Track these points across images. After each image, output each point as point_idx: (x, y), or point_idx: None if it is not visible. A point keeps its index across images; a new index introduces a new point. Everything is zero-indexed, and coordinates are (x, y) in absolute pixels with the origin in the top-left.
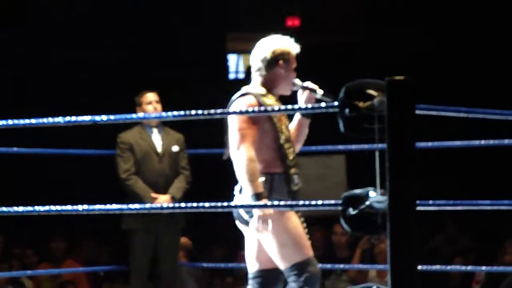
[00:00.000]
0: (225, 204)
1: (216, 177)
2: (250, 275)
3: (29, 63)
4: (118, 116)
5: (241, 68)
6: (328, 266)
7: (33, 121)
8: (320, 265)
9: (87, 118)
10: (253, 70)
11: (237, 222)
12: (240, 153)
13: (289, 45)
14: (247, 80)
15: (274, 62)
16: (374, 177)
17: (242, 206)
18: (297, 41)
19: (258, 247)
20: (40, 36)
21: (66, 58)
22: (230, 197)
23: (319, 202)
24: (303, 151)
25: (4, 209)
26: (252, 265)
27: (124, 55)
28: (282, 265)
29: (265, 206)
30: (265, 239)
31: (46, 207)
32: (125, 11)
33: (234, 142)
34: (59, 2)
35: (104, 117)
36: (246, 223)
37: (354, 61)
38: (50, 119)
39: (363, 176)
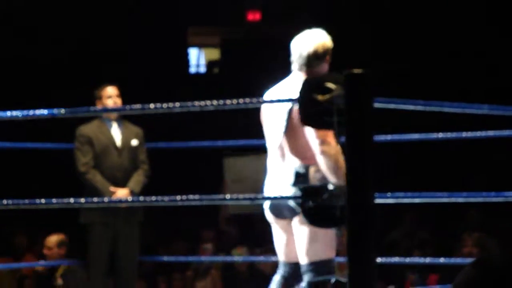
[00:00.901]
0: (185, 197)
1: (175, 171)
2: (281, 267)
3: None
4: (76, 110)
5: (202, 62)
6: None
7: None
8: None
9: (45, 111)
10: (297, 63)
11: (270, 215)
12: (329, 146)
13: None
14: (208, 75)
15: (323, 56)
16: None
17: (197, 200)
18: (257, 34)
19: (291, 240)
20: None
21: (16, 52)
22: (189, 191)
23: (280, 194)
24: (261, 145)
25: None
26: (284, 257)
27: (83, 48)
28: (305, 259)
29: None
30: (303, 231)
31: (5, 202)
32: (87, 2)
33: (317, 137)
34: None
35: (63, 111)
36: (292, 214)
37: None
38: (8, 113)
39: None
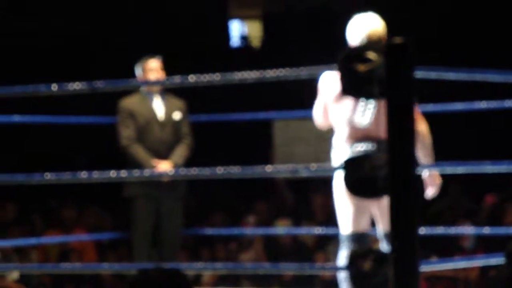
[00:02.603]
0: (228, 170)
1: (217, 144)
2: (349, 237)
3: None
4: (117, 82)
5: (243, 35)
6: (331, 231)
7: (30, 89)
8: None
9: (85, 85)
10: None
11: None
12: (423, 124)
13: None
14: (248, 48)
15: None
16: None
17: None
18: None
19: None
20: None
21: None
22: (230, 163)
23: (321, 166)
24: (302, 116)
25: (14, 177)
26: (359, 228)
27: (123, 22)
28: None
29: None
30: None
31: (47, 175)
32: None
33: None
34: None
35: (103, 84)
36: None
37: None
38: (53, 87)
39: None
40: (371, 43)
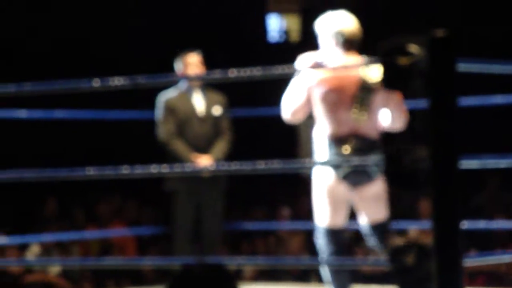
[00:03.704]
0: (268, 164)
1: (257, 138)
2: (325, 231)
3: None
4: (158, 77)
5: (281, 30)
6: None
7: (72, 85)
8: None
9: (126, 80)
10: (348, 43)
11: (352, 183)
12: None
13: None
14: (287, 43)
15: None
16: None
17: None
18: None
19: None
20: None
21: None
22: (270, 157)
23: (361, 160)
24: None
25: (56, 173)
26: (335, 223)
27: (158, 17)
28: (384, 218)
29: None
30: (378, 194)
31: (89, 170)
32: None
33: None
34: None
35: (145, 79)
36: (368, 179)
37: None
38: (95, 83)
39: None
40: (412, 36)
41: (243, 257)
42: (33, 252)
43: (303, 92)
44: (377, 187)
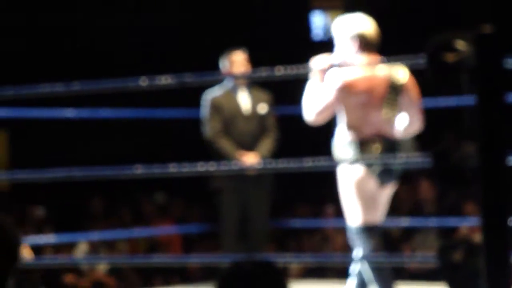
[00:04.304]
0: (315, 162)
1: (303, 136)
2: (364, 229)
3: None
4: (204, 75)
5: (326, 27)
6: (415, 222)
7: (119, 84)
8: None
9: (171, 79)
10: (372, 44)
11: (380, 182)
12: None
13: None
14: (331, 41)
15: None
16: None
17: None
18: None
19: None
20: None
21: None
22: (316, 155)
23: (407, 158)
24: None
25: (104, 171)
26: (378, 220)
27: (200, 16)
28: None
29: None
30: (389, 195)
31: (138, 169)
32: None
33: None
34: None
35: (191, 78)
36: (393, 178)
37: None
38: (142, 82)
39: (438, 134)
40: (460, 32)
41: (289, 254)
42: (81, 250)
43: (331, 94)
44: (391, 189)
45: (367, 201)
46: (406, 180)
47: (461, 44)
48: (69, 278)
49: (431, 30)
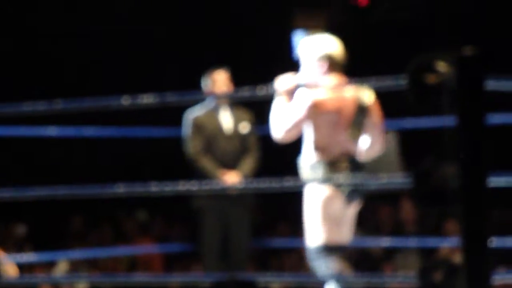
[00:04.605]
0: (295, 181)
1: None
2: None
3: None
4: (186, 94)
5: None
6: (397, 242)
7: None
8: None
9: (153, 98)
10: (339, 65)
11: (348, 201)
12: None
13: None
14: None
15: None
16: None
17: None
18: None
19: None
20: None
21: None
22: (296, 174)
23: (387, 179)
24: None
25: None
26: (342, 240)
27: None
28: (351, 239)
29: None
30: (354, 214)
31: (119, 188)
32: None
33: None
34: None
35: (173, 97)
36: (358, 198)
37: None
38: (124, 101)
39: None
40: (441, 54)
41: (270, 273)
42: (61, 269)
43: (301, 111)
44: (356, 208)
45: (333, 221)
46: (388, 200)
47: (442, 66)
48: None
49: (413, 51)
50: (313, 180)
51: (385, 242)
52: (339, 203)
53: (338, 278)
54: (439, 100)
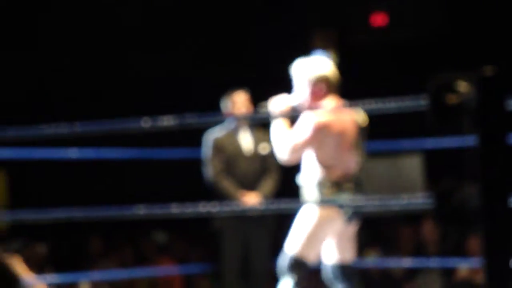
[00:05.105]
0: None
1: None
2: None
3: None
4: (206, 116)
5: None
6: (418, 262)
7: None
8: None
9: (173, 120)
10: (336, 88)
11: (347, 220)
12: None
13: None
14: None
15: None
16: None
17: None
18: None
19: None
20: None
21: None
22: None
23: (407, 199)
24: (373, 151)
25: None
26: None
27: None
28: (354, 258)
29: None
30: (351, 233)
31: (140, 209)
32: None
33: None
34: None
35: (192, 118)
36: (357, 218)
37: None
38: (144, 123)
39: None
40: (461, 74)
41: None
42: None
43: (307, 133)
44: (354, 227)
45: (322, 240)
46: (410, 220)
47: (462, 86)
48: None
49: (432, 71)
50: (321, 200)
51: (406, 262)
52: (338, 223)
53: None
54: (460, 120)
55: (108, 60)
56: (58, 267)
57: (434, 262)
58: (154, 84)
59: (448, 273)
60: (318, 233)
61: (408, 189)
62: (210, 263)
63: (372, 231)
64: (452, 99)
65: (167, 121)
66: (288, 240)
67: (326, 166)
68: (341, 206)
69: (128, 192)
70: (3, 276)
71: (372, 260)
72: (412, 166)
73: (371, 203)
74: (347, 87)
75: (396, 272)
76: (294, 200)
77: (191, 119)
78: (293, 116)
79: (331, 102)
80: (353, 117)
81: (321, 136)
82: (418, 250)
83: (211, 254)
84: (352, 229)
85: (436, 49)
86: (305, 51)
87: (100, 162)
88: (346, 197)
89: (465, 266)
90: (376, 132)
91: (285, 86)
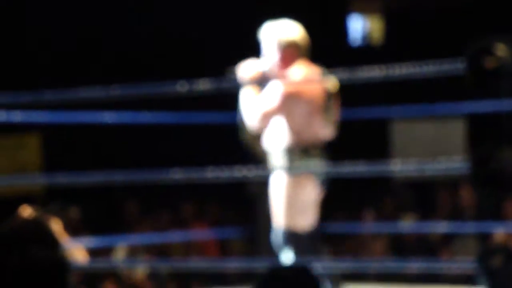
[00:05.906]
0: (353, 167)
1: (341, 140)
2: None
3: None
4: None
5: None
6: (455, 227)
7: (155, 89)
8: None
9: (210, 84)
10: (307, 52)
11: (322, 187)
12: None
13: None
14: (368, 47)
15: None
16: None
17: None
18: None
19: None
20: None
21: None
22: (355, 159)
23: (445, 163)
24: (418, 115)
25: (142, 175)
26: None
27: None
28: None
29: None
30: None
31: (175, 174)
32: None
33: None
34: None
35: (229, 82)
36: None
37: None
38: (180, 86)
39: (482, 139)
40: (500, 37)
41: (327, 259)
42: (120, 254)
43: (277, 100)
44: (321, 195)
45: (306, 206)
46: (447, 185)
47: (501, 49)
48: (108, 285)
49: (470, 35)
50: (291, 167)
51: (443, 227)
52: (313, 189)
53: (390, 262)
54: (498, 84)
55: (146, 25)
56: (94, 231)
57: (471, 227)
58: (193, 47)
59: (485, 237)
60: (297, 201)
61: (451, 153)
62: (245, 227)
63: (410, 195)
64: (490, 62)
65: (203, 84)
66: (273, 215)
67: (295, 132)
68: (310, 172)
69: (164, 156)
70: (44, 238)
71: (409, 225)
72: (456, 130)
73: (404, 169)
74: (391, 51)
75: (433, 237)
76: (332, 164)
77: (227, 83)
78: (262, 82)
79: (301, 68)
80: (322, 82)
81: (290, 103)
82: (455, 215)
83: (246, 218)
84: (318, 196)
85: (478, 14)
86: (342, 16)
87: (136, 126)
88: (314, 163)
89: (501, 231)
90: (419, 95)
91: (319, 51)
